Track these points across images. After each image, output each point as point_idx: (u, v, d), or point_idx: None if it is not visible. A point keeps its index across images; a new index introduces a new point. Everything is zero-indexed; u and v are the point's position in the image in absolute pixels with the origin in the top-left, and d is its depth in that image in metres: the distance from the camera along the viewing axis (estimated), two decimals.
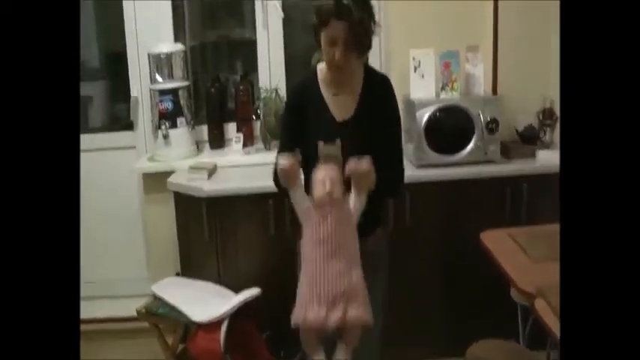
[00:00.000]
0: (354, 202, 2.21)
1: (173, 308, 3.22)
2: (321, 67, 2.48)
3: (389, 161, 2.45)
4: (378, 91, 2.46)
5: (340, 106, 2.43)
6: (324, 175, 2.17)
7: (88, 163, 3.89)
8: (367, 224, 2.33)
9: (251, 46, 4.00)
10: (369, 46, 2.35)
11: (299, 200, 2.25)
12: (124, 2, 3.89)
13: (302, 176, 2.32)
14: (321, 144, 2.28)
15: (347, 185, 2.21)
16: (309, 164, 2.33)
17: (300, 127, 2.46)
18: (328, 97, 2.45)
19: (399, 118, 2.53)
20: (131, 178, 3.92)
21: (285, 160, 2.19)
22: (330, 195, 2.12)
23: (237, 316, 3.13)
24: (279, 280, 2.70)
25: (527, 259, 2.56)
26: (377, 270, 2.46)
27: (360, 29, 2.25)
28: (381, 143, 2.41)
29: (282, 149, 2.46)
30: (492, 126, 3.35)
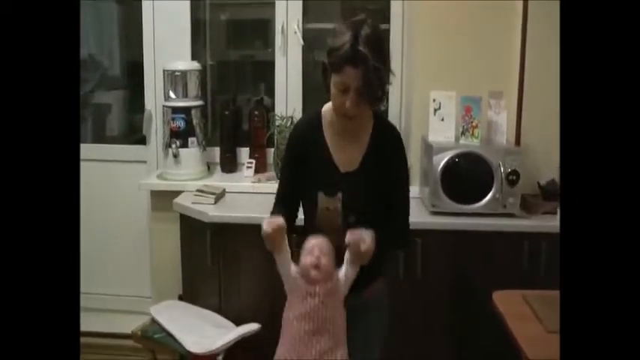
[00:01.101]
0: (346, 272, 2.15)
1: (169, 334, 3.14)
2: (327, 111, 2.34)
3: (393, 214, 2.37)
4: (386, 145, 2.33)
5: (345, 157, 2.31)
6: (314, 245, 2.12)
7: (101, 173, 3.94)
8: (365, 277, 2.26)
9: (274, 68, 3.92)
10: (382, 97, 2.23)
11: (284, 267, 2.20)
12: (143, 13, 3.84)
13: (287, 242, 2.23)
14: (321, 196, 2.24)
15: (339, 254, 2.15)
16: (307, 213, 2.30)
17: (300, 175, 2.36)
18: (332, 146, 2.32)
19: (407, 173, 2.44)
20: (141, 193, 3.84)
21: (268, 227, 2.12)
22: (317, 267, 2.07)
23: (235, 349, 3.05)
24: (281, 313, 2.61)
25: (541, 329, 2.45)
26: (373, 317, 2.41)
27: (374, 79, 2.10)
28: (386, 196, 2.32)
29: (277, 200, 2.41)
30: (513, 178, 3.25)
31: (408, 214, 2.43)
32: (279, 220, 2.12)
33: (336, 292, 2.11)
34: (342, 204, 2.28)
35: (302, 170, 2.34)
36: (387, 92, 2.25)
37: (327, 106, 2.33)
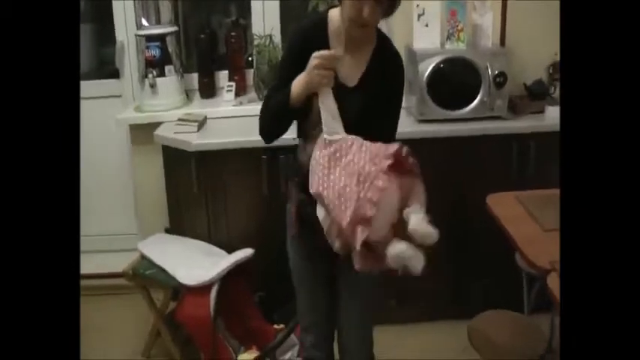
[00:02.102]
0: None
1: (161, 269, 3.07)
2: (334, 16, 2.21)
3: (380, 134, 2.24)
4: (386, 69, 2.22)
5: (345, 70, 2.18)
6: None
7: None
8: None
9: None
10: (394, 7, 2.11)
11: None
12: None
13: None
14: None
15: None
16: (306, 118, 2.19)
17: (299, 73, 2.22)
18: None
19: (399, 105, 2.31)
20: (118, 128, 3.72)
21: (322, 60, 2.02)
22: None
23: (228, 277, 2.99)
24: (272, 240, 2.56)
25: (538, 228, 2.40)
26: None
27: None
28: (377, 119, 2.22)
29: (277, 87, 2.26)
30: (500, 80, 3.18)
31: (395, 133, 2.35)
32: (333, 58, 2.05)
33: None
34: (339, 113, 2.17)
35: (302, 69, 2.16)
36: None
37: (334, 12, 2.20)
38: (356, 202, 1.90)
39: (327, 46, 2.14)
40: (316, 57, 2.03)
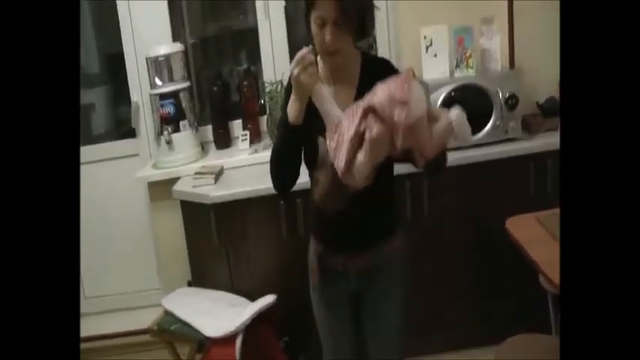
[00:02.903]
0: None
1: (185, 323, 3.05)
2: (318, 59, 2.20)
3: None
4: (377, 79, 2.12)
5: (337, 100, 2.12)
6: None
7: (93, 174, 3.83)
8: (384, 229, 2.26)
9: (255, 34, 3.80)
10: (364, 29, 2.09)
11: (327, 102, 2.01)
12: (117, 2, 3.71)
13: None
14: (321, 140, 2.11)
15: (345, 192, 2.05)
16: (310, 160, 2.20)
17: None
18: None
19: None
20: (137, 186, 3.75)
21: (299, 67, 1.96)
22: None
23: (253, 324, 2.95)
24: (295, 284, 2.53)
25: (558, 247, 2.32)
26: (393, 272, 2.30)
27: (351, 7, 1.97)
28: None
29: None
30: (512, 102, 3.15)
31: None
32: (307, 55, 1.97)
33: None
34: None
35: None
36: (371, 24, 2.09)
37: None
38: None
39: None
40: (293, 66, 1.99)
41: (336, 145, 1.92)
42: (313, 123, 2.07)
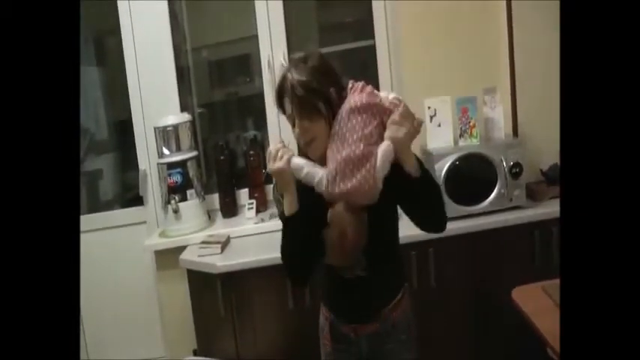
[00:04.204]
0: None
1: None
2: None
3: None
4: None
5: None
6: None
7: (100, 241, 3.84)
8: (393, 288, 2.27)
9: (261, 100, 3.86)
10: (329, 112, 2.07)
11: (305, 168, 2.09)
12: (127, 71, 3.78)
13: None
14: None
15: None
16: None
17: (305, 199, 2.22)
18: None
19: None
20: (144, 254, 3.76)
21: (276, 161, 2.09)
22: None
23: None
24: (301, 354, 2.51)
25: None
26: (407, 339, 2.31)
27: (308, 99, 2.02)
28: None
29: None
30: (516, 170, 3.18)
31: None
32: (274, 147, 2.11)
33: None
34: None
35: (307, 198, 2.20)
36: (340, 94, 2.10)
37: None
38: None
39: None
40: (269, 162, 2.11)
41: (335, 173, 1.99)
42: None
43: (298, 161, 2.08)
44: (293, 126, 2.10)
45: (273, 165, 2.09)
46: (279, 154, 2.08)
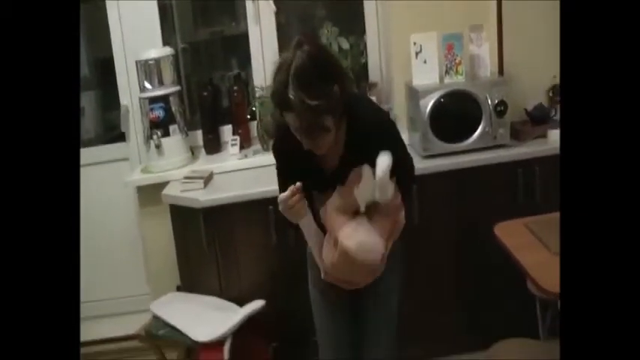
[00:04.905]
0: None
1: (173, 328, 3.04)
2: None
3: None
4: (364, 138, 2.13)
5: (326, 155, 2.18)
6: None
7: (81, 178, 3.76)
8: None
9: (246, 40, 3.80)
10: (332, 124, 2.05)
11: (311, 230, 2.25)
12: (107, 6, 3.70)
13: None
14: (316, 194, 2.24)
15: None
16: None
17: (293, 177, 2.24)
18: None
19: (400, 147, 2.27)
20: (126, 191, 3.73)
21: (288, 200, 2.15)
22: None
23: (241, 330, 2.95)
24: (284, 290, 2.52)
25: (547, 252, 2.36)
26: (392, 271, 2.32)
27: (313, 116, 1.99)
28: None
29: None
30: (501, 109, 3.17)
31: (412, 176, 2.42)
32: (296, 188, 2.15)
33: None
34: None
35: (293, 174, 2.24)
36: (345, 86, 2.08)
37: None
38: None
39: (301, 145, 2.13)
40: (280, 203, 2.17)
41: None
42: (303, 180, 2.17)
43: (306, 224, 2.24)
44: (294, 130, 2.07)
45: (285, 212, 2.19)
46: (288, 205, 2.16)
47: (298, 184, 2.13)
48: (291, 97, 1.95)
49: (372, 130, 2.14)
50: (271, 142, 3.36)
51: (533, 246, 2.45)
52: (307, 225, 2.24)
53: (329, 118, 2.02)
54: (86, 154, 3.84)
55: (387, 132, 2.20)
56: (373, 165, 2.03)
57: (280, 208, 2.18)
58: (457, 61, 3.28)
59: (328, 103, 1.99)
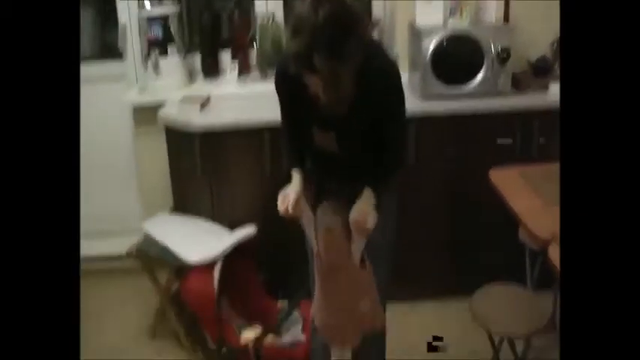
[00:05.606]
0: (355, 244, 2.19)
1: (164, 248, 3.07)
2: None
3: (389, 144, 2.25)
4: (375, 84, 2.09)
5: (333, 103, 2.07)
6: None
7: None
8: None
9: None
10: (351, 84, 1.98)
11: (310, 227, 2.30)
12: None
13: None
14: (316, 130, 2.22)
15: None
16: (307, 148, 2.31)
17: (295, 111, 2.27)
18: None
19: (400, 106, 2.23)
20: (122, 110, 3.72)
21: (285, 207, 2.23)
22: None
23: (232, 256, 2.99)
24: (276, 218, 2.53)
25: (540, 202, 2.40)
26: (385, 225, 2.32)
27: (337, 79, 1.91)
28: (380, 130, 2.19)
29: (283, 135, 2.41)
30: (503, 56, 3.16)
31: (401, 139, 2.37)
32: (293, 196, 2.22)
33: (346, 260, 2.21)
34: (336, 139, 2.21)
35: (295, 107, 2.24)
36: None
37: None
38: None
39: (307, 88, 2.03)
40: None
41: None
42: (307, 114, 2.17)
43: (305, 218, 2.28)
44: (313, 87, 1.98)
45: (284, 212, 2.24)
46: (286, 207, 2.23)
47: (294, 195, 2.23)
48: (317, 62, 1.86)
49: (382, 82, 2.12)
50: (270, 71, 3.39)
51: (527, 193, 2.48)
52: (307, 222, 2.29)
53: (351, 75, 1.95)
54: (82, 71, 3.79)
55: (395, 87, 2.17)
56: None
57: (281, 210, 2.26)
58: (462, 4, 3.27)
59: (354, 63, 1.93)
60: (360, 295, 2.22)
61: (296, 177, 2.29)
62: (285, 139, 2.40)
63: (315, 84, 1.94)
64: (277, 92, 2.29)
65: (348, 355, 2.27)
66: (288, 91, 2.23)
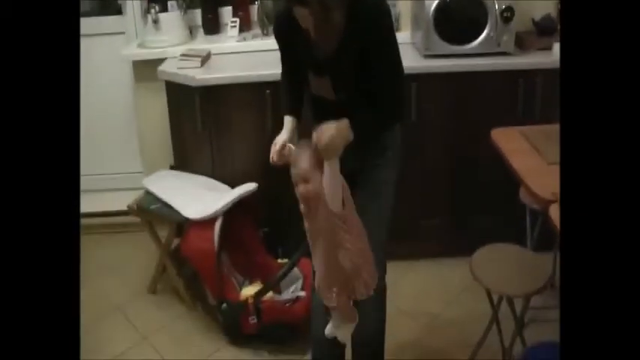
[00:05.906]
0: (325, 173, 2.01)
1: (165, 204, 3.09)
2: None
3: (382, 89, 2.21)
4: (363, 19, 2.10)
5: (324, 39, 2.12)
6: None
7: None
8: (372, 154, 2.29)
9: None
10: (341, 15, 2.05)
11: None
12: None
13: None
14: (311, 75, 2.23)
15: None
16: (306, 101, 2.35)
17: (292, 57, 2.31)
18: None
19: (391, 44, 2.19)
20: (122, 65, 3.69)
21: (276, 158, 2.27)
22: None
23: (233, 212, 3.00)
24: (277, 175, 2.53)
25: (541, 161, 2.39)
26: (388, 165, 2.35)
27: (325, 12, 1.97)
28: (371, 73, 2.16)
29: (284, 72, 2.43)
30: (507, 14, 3.13)
31: (395, 87, 2.26)
32: (279, 143, 2.25)
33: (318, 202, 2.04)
34: (331, 83, 2.21)
35: (291, 52, 2.29)
36: None
37: None
38: None
39: (301, 28, 2.08)
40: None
41: None
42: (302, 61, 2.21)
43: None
44: (302, 23, 2.02)
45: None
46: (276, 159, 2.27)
47: (277, 147, 2.25)
48: None
49: (371, 17, 2.11)
50: (271, 27, 3.36)
51: (528, 153, 2.47)
52: None
53: (340, 11, 2.02)
54: (82, 24, 3.75)
55: (384, 23, 2.16)
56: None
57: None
58: None
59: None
60: (337, 247, 2.06)
61: (286, 124, 2.33)
62: (282, 87, 2.44)
63: (305, 17, 1.99)
64: (276, 38, 2.33)
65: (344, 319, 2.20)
66: (285, 36, 2.26)
